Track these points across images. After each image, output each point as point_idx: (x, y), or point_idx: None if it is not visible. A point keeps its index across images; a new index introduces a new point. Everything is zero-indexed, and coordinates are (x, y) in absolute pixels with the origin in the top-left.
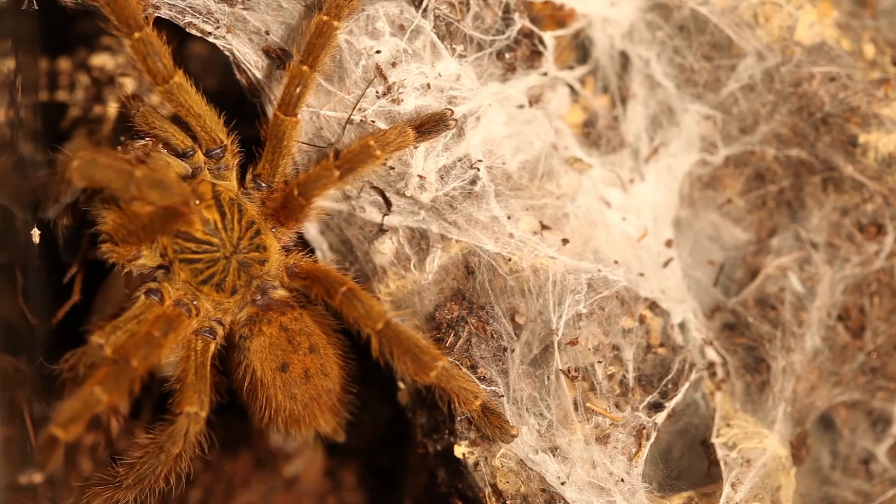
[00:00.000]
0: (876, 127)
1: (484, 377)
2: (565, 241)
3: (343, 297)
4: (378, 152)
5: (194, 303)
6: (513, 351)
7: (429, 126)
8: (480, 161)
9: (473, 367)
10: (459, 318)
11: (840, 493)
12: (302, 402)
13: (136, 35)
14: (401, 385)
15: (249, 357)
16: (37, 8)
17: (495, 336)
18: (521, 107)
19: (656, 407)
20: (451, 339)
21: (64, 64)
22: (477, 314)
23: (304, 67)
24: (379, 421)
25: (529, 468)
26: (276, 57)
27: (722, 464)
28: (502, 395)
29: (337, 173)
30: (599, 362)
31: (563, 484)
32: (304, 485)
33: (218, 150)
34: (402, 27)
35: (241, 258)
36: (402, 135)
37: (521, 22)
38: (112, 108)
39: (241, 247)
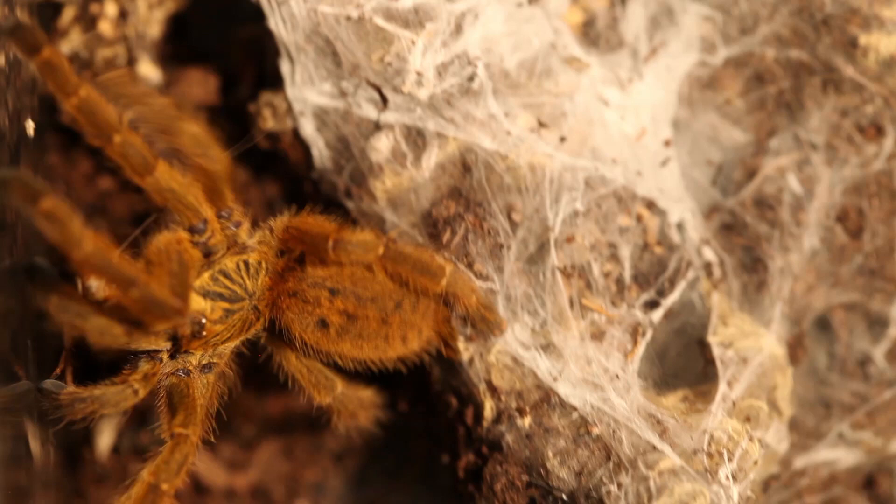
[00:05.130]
0: (877, 28)
1: (480, 274)
2: (563, 139)
3: (334, 249)
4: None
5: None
6: (509, 248)
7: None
8: (478, 58)
9: (470, 265)
10: (456, 215)
11: (837, 395)
12: (369, 337)
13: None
14: None
15: (292, 333)
16: None
17: (492, 233)
18: (520, 5)
19: (652, 305)
20: (447, 236)
21: None
22: (474, 211)
23: None
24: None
25: (524, 365)
26: None
27: (718, 362)
28: (497, 292)
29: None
30: (596, 260)
31: (555, 380)
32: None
33: (200, 225)
34: None
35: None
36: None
37: None
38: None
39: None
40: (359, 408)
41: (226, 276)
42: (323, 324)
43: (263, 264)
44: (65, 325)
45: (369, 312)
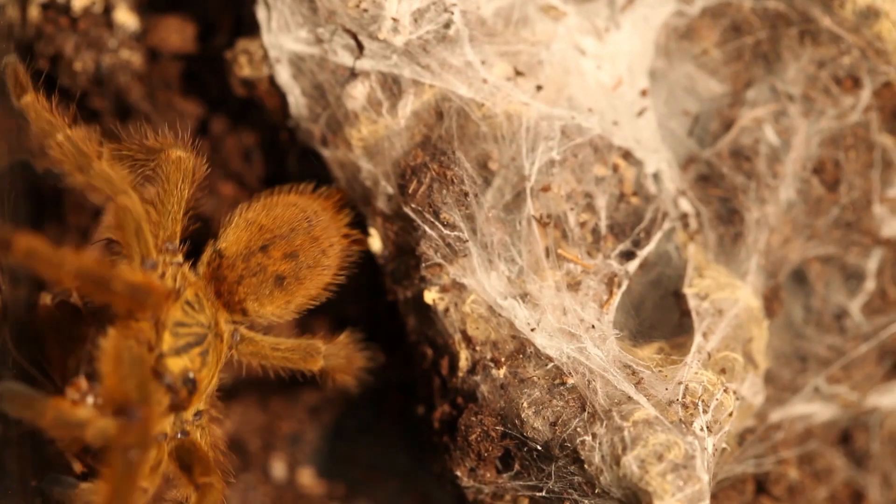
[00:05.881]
0: None
1: (447, 222)
2: (539, 88)
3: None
4: None
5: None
6: (476, 195)
7: None
8: (455, 5)
9: (436, 213)
10: (422, 164)
11: (812, 348)
12: (316, 261)
13: None
14: (371, 231)
15: (264, 315)
16: None
17: (456, 181)
18: None
19: (628, 255)
20: (413, 186)
21: None
22: (438, 159)
23: None
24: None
25: (500, 315)
26: None
27: (694, 314)
28: (467, 240)
29: None
30: (572, 209)
31: (532, 330)
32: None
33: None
34: None
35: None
36: None
37: None
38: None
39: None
40: (348, 353)
41: (181, 325)
42: (279, 280)
43: (199, 293)
44: None
45: (299, 240)
